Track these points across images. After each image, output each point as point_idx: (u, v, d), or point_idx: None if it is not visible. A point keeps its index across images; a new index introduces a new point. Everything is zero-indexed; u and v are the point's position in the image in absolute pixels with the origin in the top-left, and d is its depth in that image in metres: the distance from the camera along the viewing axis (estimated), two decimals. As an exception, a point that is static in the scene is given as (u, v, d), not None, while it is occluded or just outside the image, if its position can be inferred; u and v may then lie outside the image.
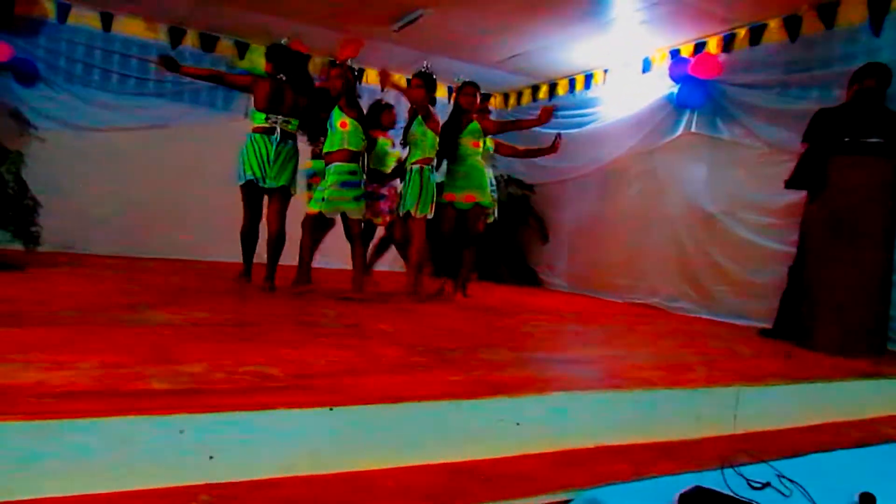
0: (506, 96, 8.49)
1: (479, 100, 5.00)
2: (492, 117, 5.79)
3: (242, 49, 6.90)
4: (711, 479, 1.25)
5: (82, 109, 6.16)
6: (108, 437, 1.46)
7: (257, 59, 6.91)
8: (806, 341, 3.75)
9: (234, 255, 6.15)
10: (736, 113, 5.36)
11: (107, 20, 6.29)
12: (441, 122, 4.72)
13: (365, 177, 4.57)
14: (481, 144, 4.93)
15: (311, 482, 1.63)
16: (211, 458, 1.55)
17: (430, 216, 4.59)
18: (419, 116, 4.58)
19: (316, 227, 4.55)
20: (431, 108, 4.61)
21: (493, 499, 1.63)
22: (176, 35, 6.61)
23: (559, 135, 5.22)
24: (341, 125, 4.29)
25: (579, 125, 7.11)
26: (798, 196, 4.29)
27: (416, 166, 4.58)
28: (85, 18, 6.22)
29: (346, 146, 4.30)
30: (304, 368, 2.15)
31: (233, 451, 1.58)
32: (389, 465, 1.72)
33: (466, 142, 4.85)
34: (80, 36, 6.23)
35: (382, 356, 2.49)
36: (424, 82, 4.61)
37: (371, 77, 7.20)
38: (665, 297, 5.83)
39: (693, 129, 5.74)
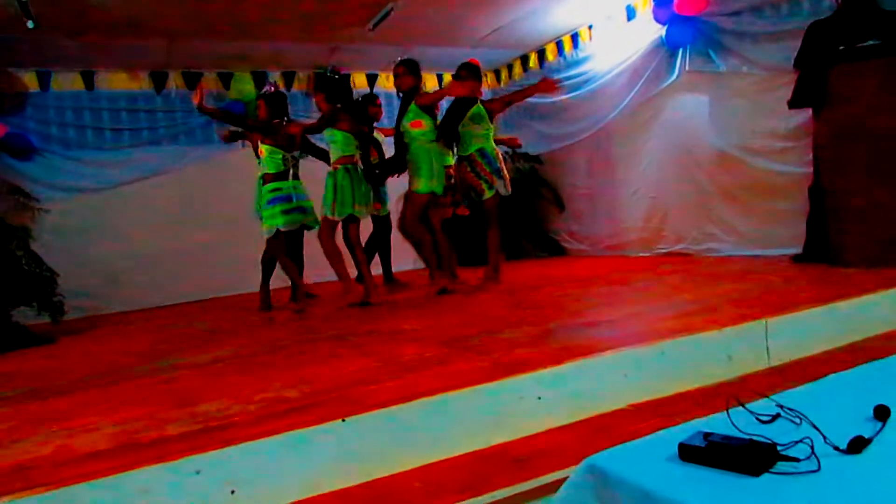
0: (497, 73, 8.37)
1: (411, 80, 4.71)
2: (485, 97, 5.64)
3: (226, 79, 6.91)
4: (718, 424, 1.18)
5: (82, 172, 6.21)
6: (127, 492, 1.46)
7: (243, 87, 6.93)
8: (838, 259, 3.61)
9: (253, 285, 6.26)
10: (729, 43, 5.17)
11: (89, 79, 6.34)
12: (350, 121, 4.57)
13: None
14: (482, 127, 4.66)
15: (339, 497, 1.61)
16: (233, 492, 1.54)
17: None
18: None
19: None
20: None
21: (525, 479, 1.59)
22: (159, 80, 6.64)
23: (546, 78, 5.02)
24: None
25: (574, 87, 6.98)
26: (806, 115, 4.14)
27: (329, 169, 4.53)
28: (68, 82, 6.28)
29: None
30: (321, 385, 2.14)
31: (254, 481, 1.56)
32: (414, 465, 1.69)
33: (406, 126, 4.59)
34: (67, 100, 6.28)
35: (400, 356, 2.46)
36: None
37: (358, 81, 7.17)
38: (691, 241, 5.69)
39: (689, 68, 5.57)
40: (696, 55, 5.49)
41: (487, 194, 4.59)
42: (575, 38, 7.03)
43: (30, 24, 4.46)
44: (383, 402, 1.78)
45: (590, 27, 6.78)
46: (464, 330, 2.93)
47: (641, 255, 6.09)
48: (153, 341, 3.99)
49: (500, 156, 4.78)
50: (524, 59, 7.84)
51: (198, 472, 1.51)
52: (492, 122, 4.84)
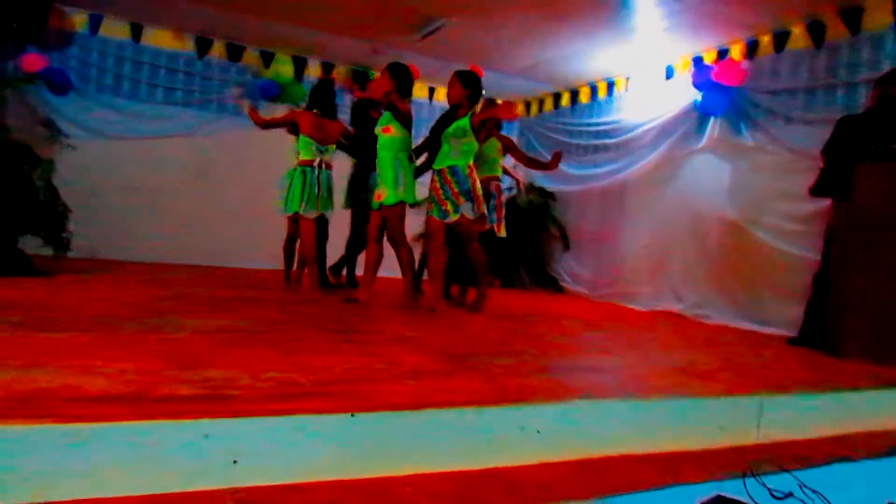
0: (527, 104, 8.50)
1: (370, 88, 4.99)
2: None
3: (268, 59, 7.00)
4: (733, 488, 1.24)
5: (112, 119, 6.32)
6: (136, 442, 1.50)
7: (282, 69, 7.01)
8: (833, 349, 3.69)
9: (259, 261, 6.33)
10: (760, 119, 5.33)
11: (136, 31, 6.44)
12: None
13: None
14: (460, 143, 4.36)
15: (335, 487, 1.65)
16: (235, 462, 1.58)
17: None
18: None
19: None
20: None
21: (515, 504, 1.64)
22: (203, 45, 6.73)
23: (560, 152, 5.05)
24: None
25: (601, 133, 7.11)
26: (823, 203, 4.25)
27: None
28: (116, 30, 6.38)
29: None
30: (327, 375, 2.18)
31: (256, 456, 1.60)
32: (411, 471, 1.73)
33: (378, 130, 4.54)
34: (111, 47, 6.39)
35: (404, 363, 2.50)
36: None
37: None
38: (690, 304, 5.78)
39: (717, 136, 5.70)
40: (726, 124, 5.64)
41: (452, 216, 4.29)
42: (610, 85, 7.18)
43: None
44: (392, 405, 1.82)
45: (627, 78, 6.92)
46: (466, 348, 2.98)
47: (636, 307, 6.17)
48: (154, 297, 4.01)
49: (472, 176, 4.36)
50: (557, 96, 7.98)
51: (206, 437, 1.55)
52: (504, 153, 4.99)
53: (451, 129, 4.32)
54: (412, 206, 4.48)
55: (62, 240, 4.64)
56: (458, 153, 4.31)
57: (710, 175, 5.76)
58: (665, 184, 6.27)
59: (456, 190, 4.27)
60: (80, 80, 6.22)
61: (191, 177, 6.51)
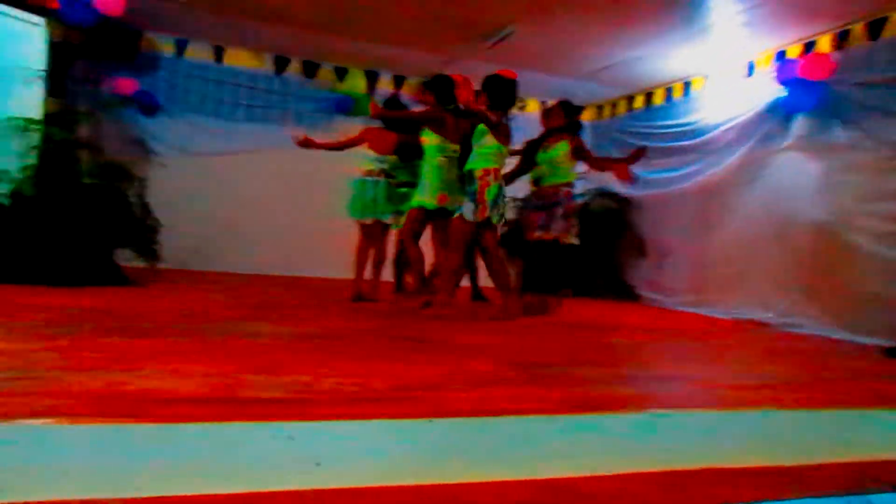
0: (599, 108, 8.37)
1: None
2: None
3: (341, 74, 7.20)
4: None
5: (198, 136, 6.66)
6: (222, 442, 1.56)
7: (355, 83, 7.19)
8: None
9: (339, 271, 6.48)
10: (853, 115, 5.02)
11: (219, 53, 6.76)
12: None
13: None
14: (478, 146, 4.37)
15: (412, 492, 1.66)
16: (318, 464, 1.61)
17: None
18: None
19: None
20: None
21: (594, 516, 1.61)
22: (280, 63, 6.99)
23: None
24: None
25: (678, 136, 6.91)
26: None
27: None
28: (200, 53, 6.72)
29: None
30: (403, 381, 2.20)
31: (338, 459, 1.63)
32: (486, 478, 1.72)
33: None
34: (196, 69, 6.74)
35: (477, 370, 2.50)
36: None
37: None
38: (778, 312, 5.49)
39: (804, 134, 5.44)
40: (813, 121, 5.35)
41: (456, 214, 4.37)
42: (687, 86, 6.97)
43: (184, -1, 4.79)
44: (466, 411, 1.83)
45: (705, 77, 6.71)
46: (540, 357, 2.96)
47: (719, 316, 5.93)
48: (235, 305, 4.18)
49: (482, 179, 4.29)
50: (630, 99, 7.82)
51: (291, 438, 1.60)
52: (582, 159, 4.83)
53: (474, 133, 4.38)
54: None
55: (153, 252, 4.91)
56: (476, 156, 4.33)
57: (797, 175, 5.49)
58: (748, 186, 6.02)
59: (467, 190, 4.33)
60: (168, 100, 6.58)
61: (271, 189, 6.76)
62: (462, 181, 4.43)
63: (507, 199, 4.43)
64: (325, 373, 2.17)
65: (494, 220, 4.25)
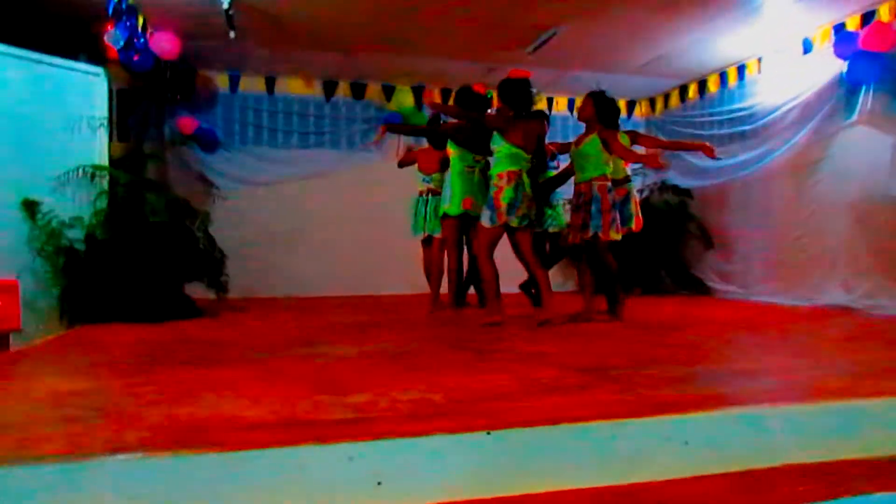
0: (652, 101, 8.19)
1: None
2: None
3: (389, 92, 7.30)
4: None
5: (256, 167, 6.90)
6: (285, 466, 1.59)
7: (403, 100, 7.29)
8: None
9: (398, 287, 6.60)
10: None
11: (270, 83, 6.98)
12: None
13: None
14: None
15: (476, 506, 1.66)
16: (379, 483, 1.63)
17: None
18: None
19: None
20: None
21: (665, 523, 1.56)
22: (329, 88, 7.16)
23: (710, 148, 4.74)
24: None
25: (736, 121, 6.69)
26: None
27: None
28: (252, 85, 6.96)
29: None
30: (464, 394, 2.20)
31: (399, 477, 1.64)
32: (551, 488, 1.70)
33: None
34: (250, 101, 6.99)
35: (540, 378, 2.47)
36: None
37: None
38: (860, 295, 5.21)
39: (871, 108, 5.17)
40: (880, 94, 5.10)
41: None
42: (741, 69, 6.75)
43: (232, 35, 4.97)
44: (526, 422, 1.81)
45: (759, 59, 6.48)
46: (604, 360, 2.90)
47: (797, 304, 5.67)
48: (303, 327, 4.29)
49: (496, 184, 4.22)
50: (683, 90, 7.62)
51: (350, 459, 1.61)
52: (608, 150, 4.54)
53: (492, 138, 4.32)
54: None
55: (221, 283, 5.09)
56: (493, 161, 4.32)
57: (866, 152, 5.22)
58: (815, 166, 5.76)
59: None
60: (226, 134, 6.85)
61: (329, 212, 6.92)
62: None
63: (531, 201, 4.24)
64: (386, 390, 2.19)
65: (514, 224, 4.14)
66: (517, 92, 4.27)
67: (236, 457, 1.58)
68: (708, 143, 4.73)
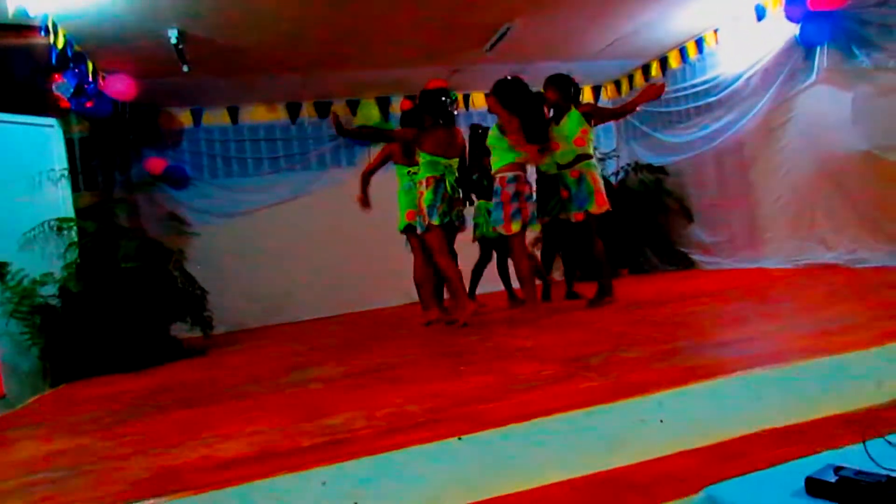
0: (617, 83, 8.20)
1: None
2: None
3: (353, 106, 7.29)
4: (854, 456, 1.09)
5: (230, 197, 6.84)
6: (262, 498, 1.58)
7: (369, 112, 7.28)
8: None
9: (385, 300, 6.58)
10: (875, 37, 4.77)
11: (234, 113, 6.95)
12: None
13: None
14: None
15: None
16: (355, 503, 1.61)
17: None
18: None
19: None
20: None
21: (646, 505, 1.55)
22: (293, 109, 7.13)
23: (655, 86, 4.70)
24: None
25: (701, 94, 6.71)
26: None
27: None
28: (216, 117, 6.92)
29: None
30: (442, 401, 2.19)
31: (375, 495, 1.63)
32: (530, 485, 1.69)
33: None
34: (215, 133, 6.94)
35: (520, 374, 2.47)
36: None
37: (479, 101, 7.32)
38: (841, 251, 5.20)
39: (828, 66, 5.19)
40: (834, 52, 5.12)
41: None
42: (700, 42, 6.76)
43: (185, 69, 4.95)
44: (500, 421, 1.80)
45: (715, 31, 6.50)
46: (585, 348, 2.89)
47: (783, 266, 5.68)
48: (290, 354, 4.27)
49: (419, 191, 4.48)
50: (645, 69, 7.62)
51: (323, 484, 1.60)
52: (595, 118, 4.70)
53: None
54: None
55: (206, 319, 5.05)
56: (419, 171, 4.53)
57: (829, 109, 5.22)
58: (783, 129, 5.77)
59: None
60: (194, 169, 6.79)
61: (307, 234, 6.88)
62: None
63: (452, 201, 4.44)
64: (363, 408, 2.19)
65: (437, 222, 4.30)
66: (431, 102, 4.49)
67: (212, 497, 1.57)
68: (652, 84, 4.75)
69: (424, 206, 4.32)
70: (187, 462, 1.85)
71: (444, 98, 4.49)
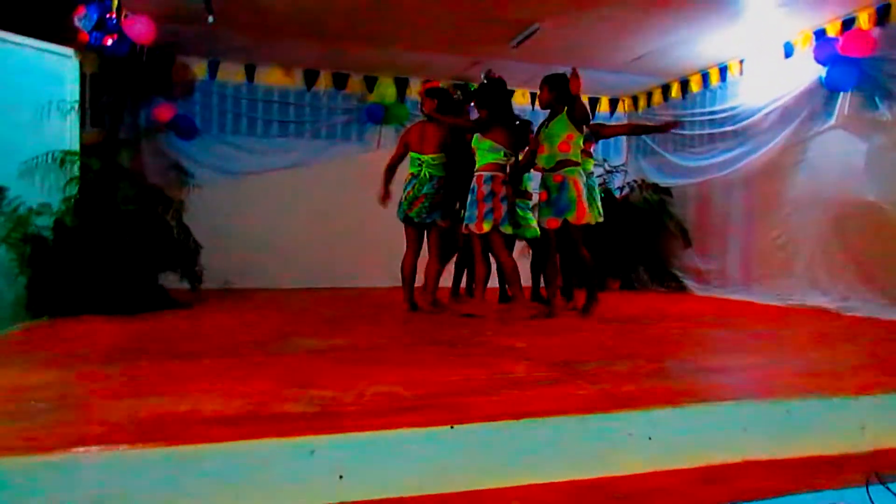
0: (635, 99, 8.20)
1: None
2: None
3: (371, 83, 7.24)
4: (856, 497, 1.10)
5: (233, 156, 6.78)
6: (247, 461, 1.57)
7: (385, 91, 7.24)
8: None
9: (378, 280, 6.56)
10: (897, 90, 4.81)
11: (250, 72, 6.88)
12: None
13: None
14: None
15: (439, 500, 1.64)
16: (341, 477, 1.61)
17: None
18: None
19: None
20: None
21: (626, 518, 1.56)
22: (310, 78, 7.08)
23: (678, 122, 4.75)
24: None
25: (717, 122, 6.73)
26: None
27: None
28: (232, 73, 6.84)
29: None
30: (432, 388, 2.19)
31: (361, 471, 1.63)
32: (515, 483, 1.70)
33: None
34: (229, 89, 6.86)
35: (510, 372, 2.47)
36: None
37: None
38: (831, 297, 5.25)
39: (849, 113, 5.21)
40: (857, 99, 5.15)
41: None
42: (723, 70, 6.78)
43: (210, 20, 4.88)
44: (491, 416, 1.80)
45: (741, 61, 6.52)
46: (575, 356, 2.90)
47: (773, 303, 5.72)
48: (278, 321, 4.25)
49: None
50: (665, 88, 7.64)
51: (312, 453, 1.59)
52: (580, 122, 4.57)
53: None
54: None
55: (196, 273, 5.01)
56: None
57: (843, 155, 5.26)
58: (793, 169, 5.79)
59: None
60: (203, 122, 6.72)
61: (308, 203, 6.85)
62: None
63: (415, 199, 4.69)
64: (353, 384, 2.17)
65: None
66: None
67: (197, 451, 1.55)
68: (672, 120, 4.74)
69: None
70: (173, 413, 1.83)
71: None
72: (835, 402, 2.10)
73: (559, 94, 4.44)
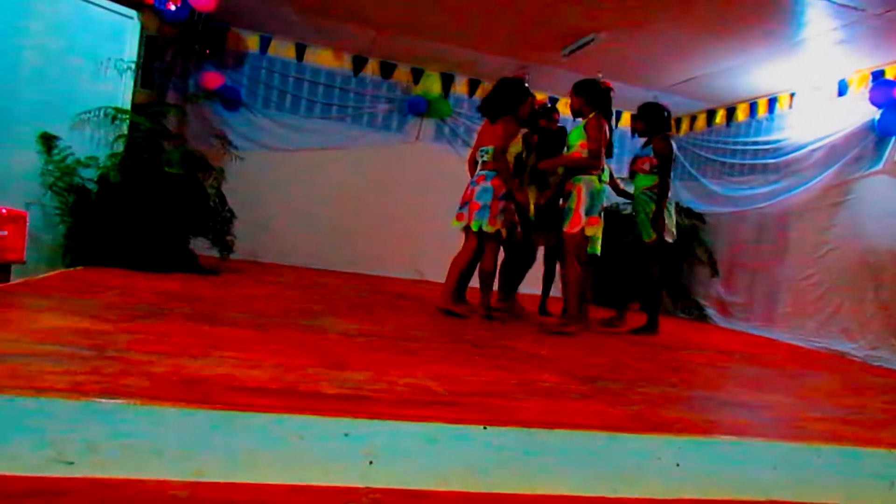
0: (678, 121, 8.14)
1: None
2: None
3: (417, 75, 7.26)
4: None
5: (276, 132, 6.85)
6: (283, 432, 1.58)
7: (430, 86, 7.25)
8: None
9: (404, 271, 6.58)
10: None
11: (300, 51, 6.94)
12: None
13: None
14: None
15: (464, 498, 1.65)
16: (371, 462, 1.62)
17: None
18: None
19: None
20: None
21: (650, 542, 1.55)
22: (359, 63, 7.12)
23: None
24: None
25: (760, 153, 6.66)
26: None
27: None
28: (282, 50, 6.92)
29: None
30: (461, 386, 2.19)
31: (391, 459, 1.63)
32: (540, 491, 1.70)
33: None
34: (278, 65, 6.94)
35: (539, 381, 2.47)
36: None
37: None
38: (859, 345, 5.19)
39: (896, 159, 5.15)
40: (910, 146, 5.07)
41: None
42: (772, 102, 6.71)
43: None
44: (522, 421, 1.80)
45: (791, 95, 6.44)
46: (602, 372, 2.89)
47: (797, 343, 5.66)
48: (306, 298, 4.27)
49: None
50: (710, 114, 7.59)
51: (346, 435, 1.60)
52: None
53: None
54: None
55: (227, 242, 5.06)
56: None
57: (886, 203, 5.19)
58: (835, 209, 5.72)
59: None
60: (249, 95, 6.81)
61: (344, 187, 6.89)
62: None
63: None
64: (384, 371, 2.18)
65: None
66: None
67: (232, 418, 1.57)
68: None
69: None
70: (212, 377, 1.85)
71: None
72: (867, 454, 2.07)
73: (590, 101, 4.30)
